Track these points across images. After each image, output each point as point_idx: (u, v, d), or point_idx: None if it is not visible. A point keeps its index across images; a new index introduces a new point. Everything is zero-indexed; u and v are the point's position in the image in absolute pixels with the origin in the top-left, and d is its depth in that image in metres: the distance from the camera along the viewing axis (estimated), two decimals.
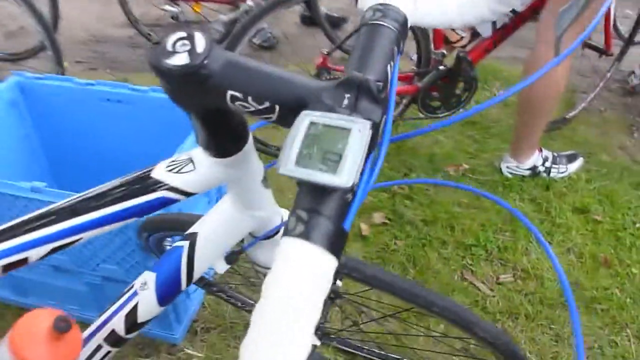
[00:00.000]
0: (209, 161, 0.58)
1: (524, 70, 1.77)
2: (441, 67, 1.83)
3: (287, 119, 0.44)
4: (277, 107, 0.46)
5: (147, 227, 1.03)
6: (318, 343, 1.09)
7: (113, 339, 0.73)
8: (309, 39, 2.83)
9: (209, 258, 0.71)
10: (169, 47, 0.46)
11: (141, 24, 2.89)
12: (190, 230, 0.70)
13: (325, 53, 1.89)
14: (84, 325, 1.41)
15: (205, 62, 0.45)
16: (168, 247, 1.11)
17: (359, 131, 0.39)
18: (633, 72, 2.56)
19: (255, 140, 1.50)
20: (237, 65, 0.46)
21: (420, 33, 1.84)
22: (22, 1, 1.98)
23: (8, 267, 0.57)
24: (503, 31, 1.74)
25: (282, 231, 0.73)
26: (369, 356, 1.36)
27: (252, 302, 1.40)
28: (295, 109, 0.43)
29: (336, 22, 3.03)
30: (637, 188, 1.95)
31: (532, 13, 1.64)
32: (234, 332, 1.43)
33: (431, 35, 1.84)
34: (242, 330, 1.43)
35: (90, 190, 0.58)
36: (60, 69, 2.07)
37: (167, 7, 2.89)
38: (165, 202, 0.58)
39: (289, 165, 0.39)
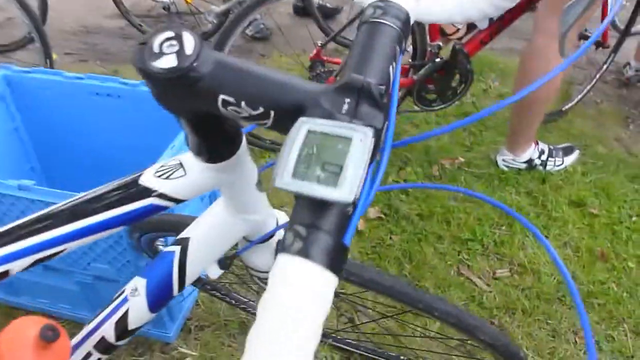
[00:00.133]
0: (200, 166, 0.56)
1: (520, 62, 1.75)
2: (437, 60, 1.81)
3: (283, 125, 0.42)
4: (272, 113, 0.43)
5: (138, 227, 1.00)
6: None
7: (103, 346, 0.70)
8: (302, 29, 2.80)
9: (202, 263, 0.69)
10: (156, 48, 0.42)
11: (132, 14, 2.84)
12: (182, 234, 0.68)
13: (320, 45, 1.86)
14: (76, 324, 1.40)
15: (195, 64, 0.42)
16: (160, 247, 1.09)
17: (361, 140, 0.37)
18: (628, 64, 2.54)
19: (249, 133, 1.47)
20: (229, 68, 0.43)
21: (416, 25, 1.81)
22: None
23: None
24: (500, 23, 1.71)
25: (277, 235, 0.71)
26: (365, 354, 1.35)
27: (247, 299, 1.39)
28: (292, 114, 0.40)
29: (329, 13, 3.00)
30: (633, 181, 1.94)
31: (529, 4, 1.62)
32: (229, 329, 1.41)
33: (427, 28, 1.81)
34: (237, 328, 1.41)
35: (76, 197, 0.55)
36: (49, 61, 2.03)
37: None
38: (154, 210, 0.55)
39: (285, 177, 0.36)
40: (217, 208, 0.67)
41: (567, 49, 1.40)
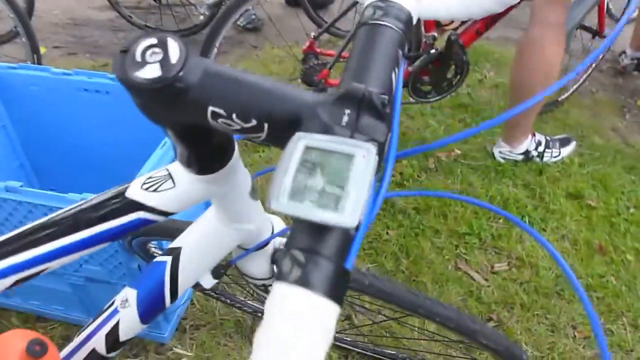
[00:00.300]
0: (190, 177, 0.53)
1: (517, 52, 1.72)
2: (432, 51, 1.77)
3: (278, 138, 0.39)
4: (266, 125, 0.39)
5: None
6: None
7: (94, 358, 0.68)
8: (294, 20, 2.75)
9: (194, 273, 0.66)
10: (138, 57, 0.39)
11: (122, 6, 2.78)
12: (173, 244, 0.65)
13: (313, 37, 1.82)
14: (69, 326, 1.37)
15: (181, 74, 0.38)
16: (153, 249, 1.06)
17: (364, 157, 0.33)
18: (624, 52, 2.52)
19: None
20: (219, 77, 0.40)
21: None
22: None
23: None
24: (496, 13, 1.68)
25: (272, 243, 0.69)
26: (363, 352, 1.33)
27: (242, 299, 1.36)
28: (288, 127, 0.37)
29: (322, 3, 2.95)
30: (630, 172, 1.93)
31: None
32: (224, 329, 1.39)
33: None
34: (233, 327, 1.39)
35: (60, 211, 0.52)
36: (36, 56, 1.98)
37: None
38: (142, 224, 0.52)
39: (281, 199, 0.33)
40: (209, 217, 0.64)
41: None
